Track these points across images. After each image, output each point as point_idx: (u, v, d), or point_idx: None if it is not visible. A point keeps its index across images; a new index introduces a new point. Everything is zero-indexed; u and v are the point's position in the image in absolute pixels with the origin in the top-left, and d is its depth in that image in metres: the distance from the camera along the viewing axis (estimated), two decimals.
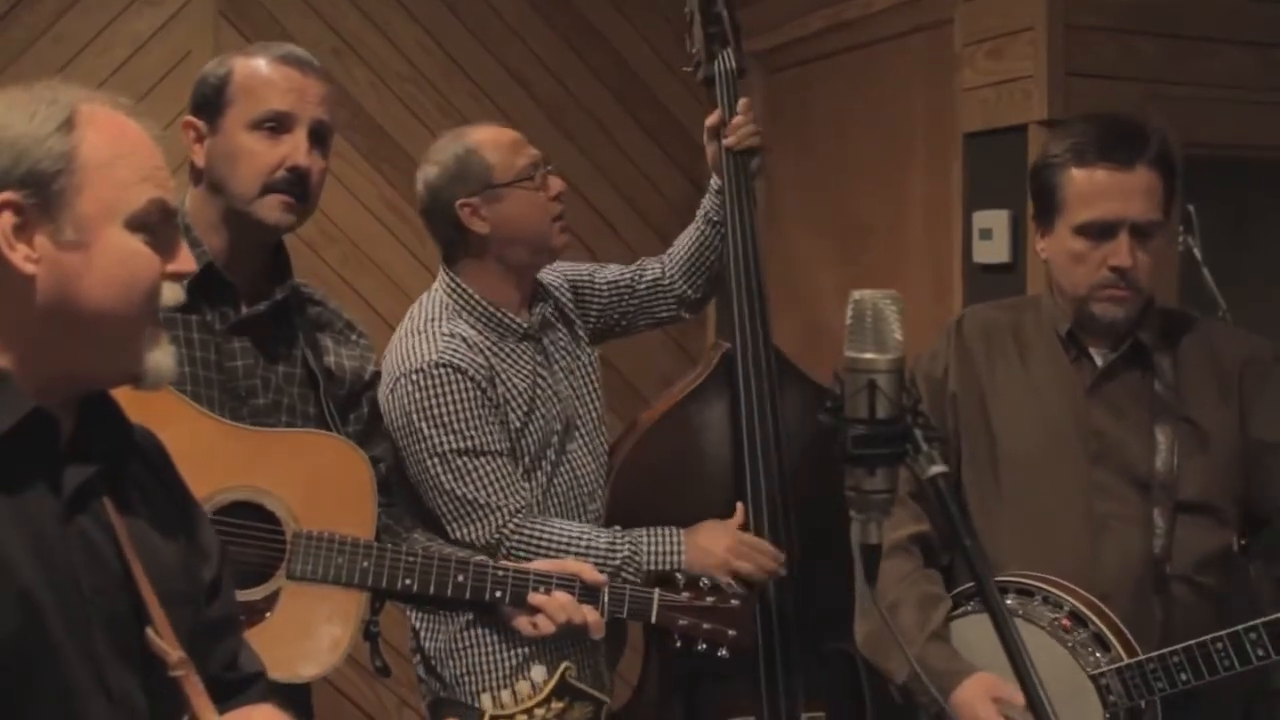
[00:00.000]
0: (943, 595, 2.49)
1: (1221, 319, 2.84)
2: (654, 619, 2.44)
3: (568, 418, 2.83)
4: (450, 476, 2.64)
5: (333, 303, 2.52)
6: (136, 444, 1.69)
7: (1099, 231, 2.39)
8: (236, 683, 1.76)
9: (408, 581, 2.27)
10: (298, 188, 2.27)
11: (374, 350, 2.52)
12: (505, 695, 1.81)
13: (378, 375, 2.52)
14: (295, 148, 2.27)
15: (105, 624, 1.54)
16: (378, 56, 4.38)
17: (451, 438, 2.64)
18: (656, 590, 2.45)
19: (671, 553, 2.68)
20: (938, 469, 1.66)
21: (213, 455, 2.15)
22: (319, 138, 2.31)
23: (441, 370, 2.65)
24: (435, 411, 2.64)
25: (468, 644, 2.76)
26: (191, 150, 2.31)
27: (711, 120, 2.95)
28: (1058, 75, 3.30)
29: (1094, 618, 2.33)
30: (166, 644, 1.56)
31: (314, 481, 2.22)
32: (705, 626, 2.45)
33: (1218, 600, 2.45)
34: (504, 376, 2.73)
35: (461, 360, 2.67)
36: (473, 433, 2.65)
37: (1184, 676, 2.25)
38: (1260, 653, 2.21)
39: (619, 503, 2.82)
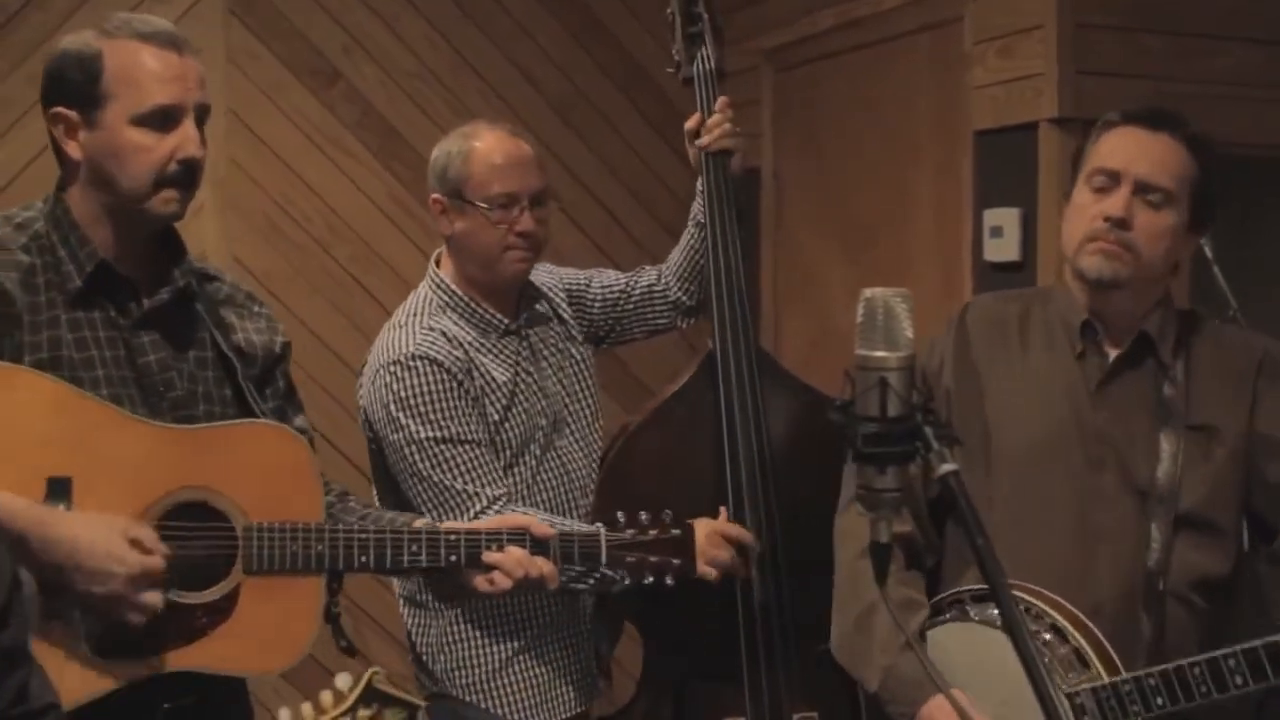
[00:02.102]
0: (920, 601, 2.42)
1: (1233, 318, 2.82)
2: (604, 560, 2.45)
3: (555, 413, 2.85)
4: (428, 464, 2.67)
5: (229, 276, 2.43)
6: None
7: (1102, 182, 2.34)
8: (24, 718, 1.65)
9: (364, 559, 2.25)
10: (189, 179, 2.18)
11: (279, 321, 2.44)
12: (305, 708, 1.77)
13: (288, 347, 2.43)
14: (185, 138, 2.15)
15: None
16: (386, 54, 4.39)
17: (428, 426, 2.67)
18: (601, 529, 2.46)
19: None
20: (949, 467, 1.65)
21: (151, 461, 2.11)
22: (201, 121, 2.20)
23: (417, 362, 2.68)
24: (411, 401, 2.67)
25: (456, 638, 2.78)
26: (63, 143, 2.17)
27: (690, 123, 2.96)
28: (1068, 73, 3.30)
29: (1075, 633, 2.24)
30: None
31: (257, 472, 2.18)
32: (652, 559, 2.46)
33: (1212, 622, 2.36)
34: (482, 369, 2.75)
35: (437, 352, 2.70)
36: (448, 422, 2.68)
37: (1160, 700, 2.14)
38: (1239, 680, 2.10)
39: (605, 502, 2.81)
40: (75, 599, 2.02)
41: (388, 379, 2.70)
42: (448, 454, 2.67)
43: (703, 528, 2.67)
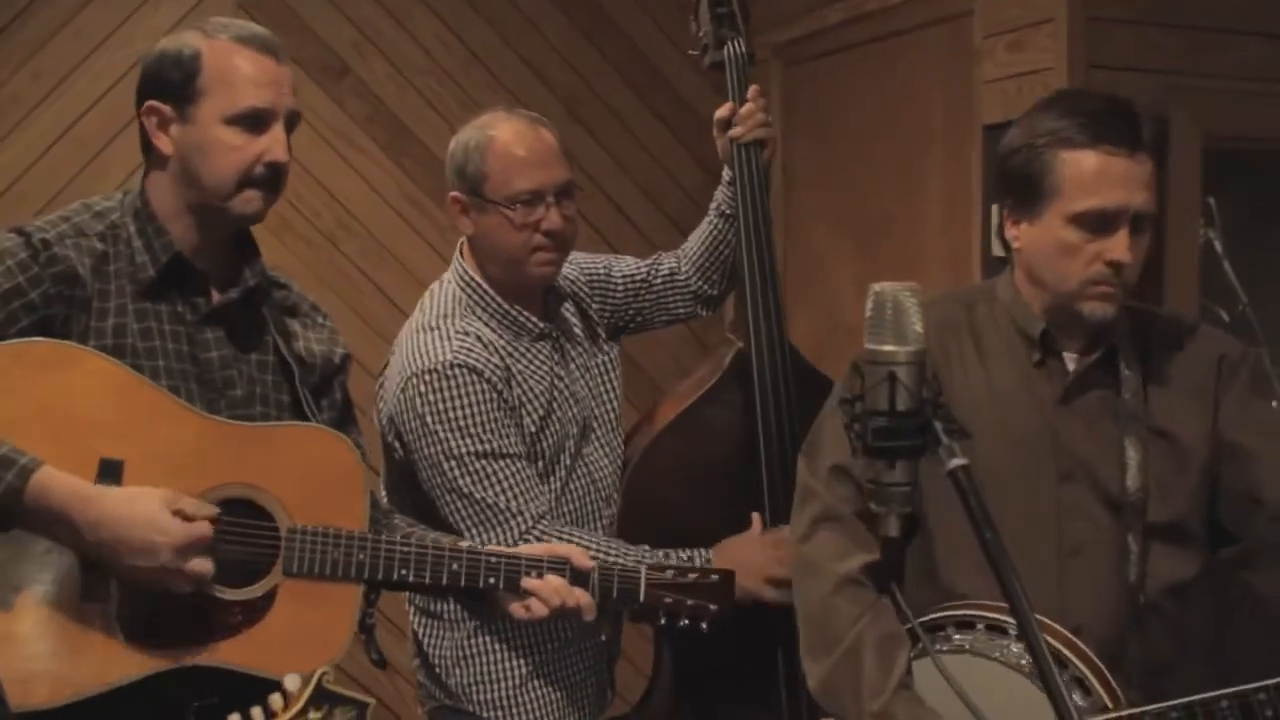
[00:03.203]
0: (900, 635, 2.24)
1: (1242, 313, 2.80)
2: (642, 598, 2.39)
3: (584, 419, 2.73)
4: (468, 480, 2.55)
5: (296, 285, 2.45)
6: None
7: (1098, 223, 2.18)
8: None
9: (403, 572, 2.24)
10: (273, 181, 2.22)
11: (340, 333, 2.45)
12: (256, 711, 1.77)
13: (348, 358, 2.42)
14: (274, 141, 2.21)
15: None
16: (396, 49, 4.39)
17: (468, 440, 2.54)
18: (644, 568, 2.40)
19: None
20: (958, 461, 1.65)
21: (202, 452, 2.12)
22: (291, 127, 2.26)
23: (456, 371, 2.54)
24: (451, 414, 2.54)
25: (474, 652, 2.69)
26: (154, 136, 2.21)
27: (722, 112, 2.82)
28: (1079, 68, 3.29)
29: (1073, 658, 2.14)
30: None
31: (305, 475, 2.19)
32: (689, 603, 2.41)
33: (1181, 628, 2.30)
34: (520, 378, 2.63)
35: (476, 360, 2.57)
36: (489, 435, 2.55)
37: None
38: (1269, 713, 2.01)
39: (632, 507, 2.74)
40: (122, 575, 2.03)
41: (422, 389, 2.55)
42: (489, 469, 2.55)
43: (758, 548, 2.62)
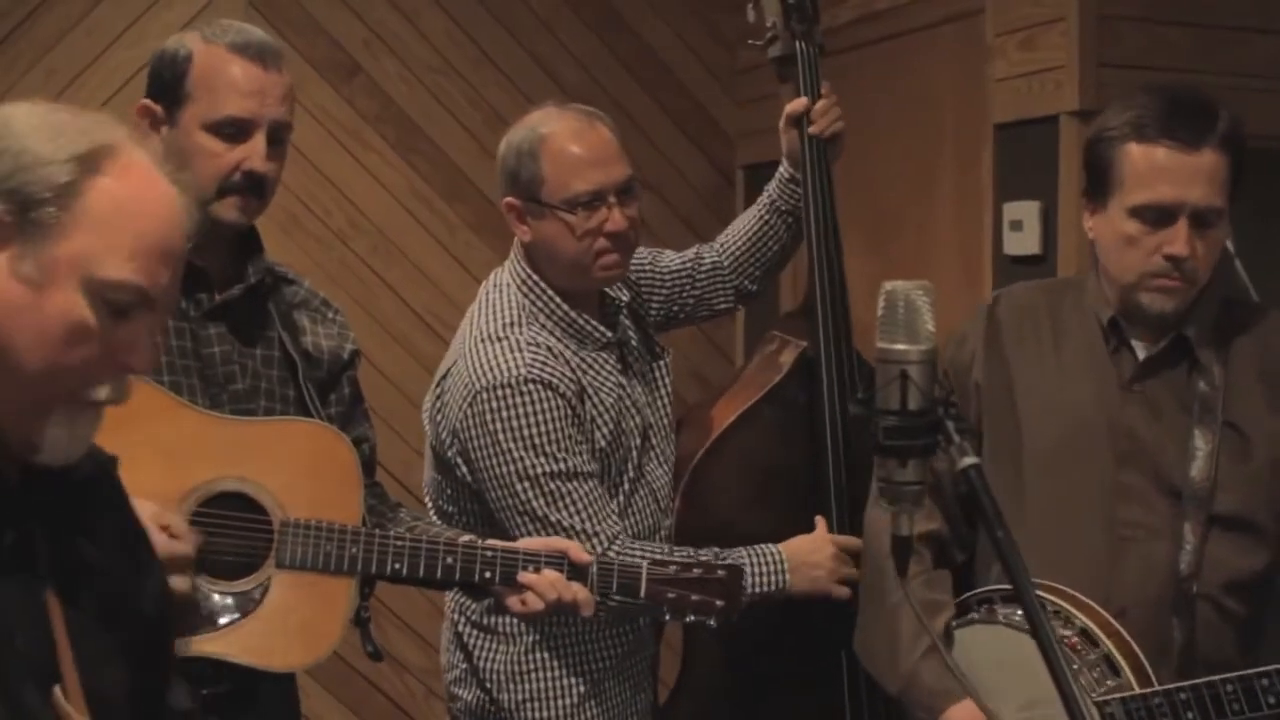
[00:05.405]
0: (945, 602, 2.34)
1: None
2: (643, 594, 2.36)
3: (644, 428, 2.66)
4: (543, 501, 2.48)
5: (307, 281, 2.46)
6: (85, 486, 1.60)
7: (1156, 216, 2.22)
8: None
9: (397, 566, 2.24)
10: (254, 189, 2.23)
11: (350, 329, 2.46)
12: None
13: (358, 355, 2.44)
14: (252, 151, 2.20)
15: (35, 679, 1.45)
16: (407, 47, 4.39)
17: (544, 460, 2.47)
18: (645, 563, 2.37)
19: (775, 573, 2.57)
20: (969, 460, 1.65)
21: (196, 447, 2.14)
22: (277, 138, 2.25)
23: (532, 387, 2.46)
24: (526, 432, 2.46)
25: (530, 668, 2.63)
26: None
27: (794, 106, 2.75)
28: (1090, 66, 3.28)
29: (1105, 639, 2.18)
30: (73, 709, 1.45)
31: (299, 469, 2.20)
32: (693, 598, 2.37)
33: (1247, 627, 2.30)
34: (591, 391, 2.55)
35: (551, 375, 2.48)
36: (565, 454, 2.48)
37: (1190, 715, 2.09)
38: (1271, 700, 2.05)
39: (693, 511, 2.71)
40: None
41: (494, 404, 2.46)
42: (564, 490, 2.49)
43: (826, 546, 2.60)
